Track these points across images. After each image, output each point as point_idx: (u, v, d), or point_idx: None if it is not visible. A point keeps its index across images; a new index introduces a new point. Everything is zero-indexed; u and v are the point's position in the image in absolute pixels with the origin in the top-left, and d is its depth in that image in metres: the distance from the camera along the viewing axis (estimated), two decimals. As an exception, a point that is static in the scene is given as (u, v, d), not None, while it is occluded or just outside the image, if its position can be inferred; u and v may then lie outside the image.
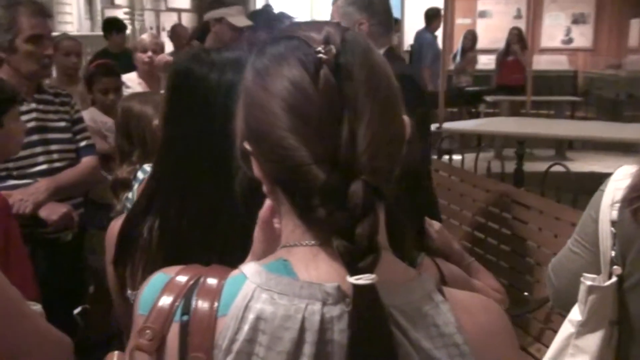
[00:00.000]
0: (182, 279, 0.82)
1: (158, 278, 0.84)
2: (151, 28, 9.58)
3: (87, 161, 2.71)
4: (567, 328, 1.55)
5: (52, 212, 2.46)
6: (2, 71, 2.54)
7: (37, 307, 1.40)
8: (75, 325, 2.37)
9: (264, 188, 0.83)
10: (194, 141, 1.26)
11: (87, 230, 2.84)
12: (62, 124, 2.68)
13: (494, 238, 3.22)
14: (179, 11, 10.70)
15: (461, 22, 10.49)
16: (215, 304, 0.77)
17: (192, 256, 1.23)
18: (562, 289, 1.64)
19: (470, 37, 9.55)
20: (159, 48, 4.39)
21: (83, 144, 2.74)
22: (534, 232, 3.02)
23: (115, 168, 2.39)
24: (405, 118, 0.82)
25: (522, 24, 9.59)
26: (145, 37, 4.60)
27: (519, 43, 8.90)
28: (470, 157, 5.02)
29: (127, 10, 9.07)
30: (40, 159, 2.57)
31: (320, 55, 0.75)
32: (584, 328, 1.51)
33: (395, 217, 0.85)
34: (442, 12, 7.54)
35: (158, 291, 0.81)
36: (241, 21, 3.96)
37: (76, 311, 2.46)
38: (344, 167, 0.73)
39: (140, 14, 9.38)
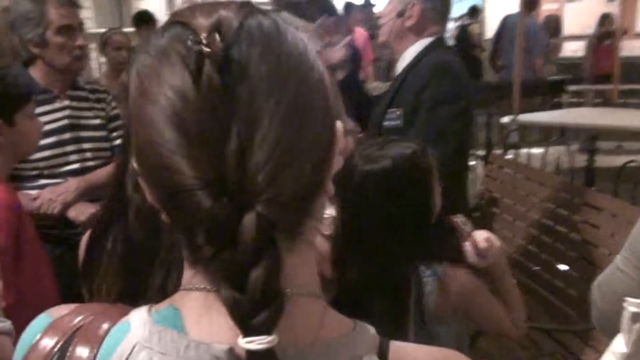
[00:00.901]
0: (70, 320, 0.67)
1: (39, 321, 0.70)
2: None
3: None
4: (610, 362, 1.31)
5: (81, 212, 2.38)
6: (36, 68, 2.49)
7: (5, 324, 1.30)
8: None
9: (162, 216, 0.65)
10: None
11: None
12: (97, 121, 2.60)
13: (562, 243, 2.91)
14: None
15: (548, 7, 9.96)
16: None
17: (152, 268, 1.11)
18: (607, 313, 1.39)
19: (552, 24, 9.00)
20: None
21: (118, 142, 2.63)
22: (605, 238, 2.68)
23: None
24: (338, 124, 0.63)
25: (614, 8, 8.98)
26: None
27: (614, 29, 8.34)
28: (550, 151, 4.69)
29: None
30: (73, 157, 2.49)
31: (202, 47, 0.56)
32: (631, 364, 1.26)
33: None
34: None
35: (36, 335, 0.67)
36: None
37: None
38: (233, 194, 0.55)
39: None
